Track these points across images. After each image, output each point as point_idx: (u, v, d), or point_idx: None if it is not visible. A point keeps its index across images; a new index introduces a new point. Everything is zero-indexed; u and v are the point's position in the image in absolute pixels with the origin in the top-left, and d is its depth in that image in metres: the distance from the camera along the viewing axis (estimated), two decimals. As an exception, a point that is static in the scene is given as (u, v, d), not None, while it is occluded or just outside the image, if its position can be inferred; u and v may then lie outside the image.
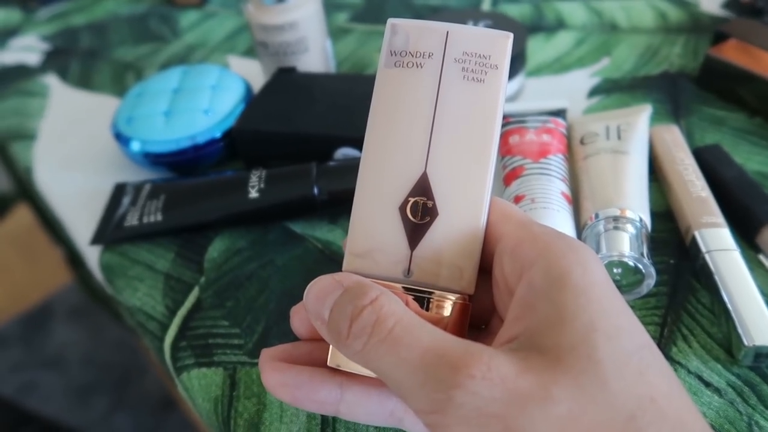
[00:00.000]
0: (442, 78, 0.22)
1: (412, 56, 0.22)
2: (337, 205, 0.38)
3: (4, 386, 1.28)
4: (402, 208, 0.22)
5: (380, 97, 0.23)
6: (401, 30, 0.23)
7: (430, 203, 0.22)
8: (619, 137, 0.38)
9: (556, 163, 0.37)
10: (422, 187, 0.22)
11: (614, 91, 0.46)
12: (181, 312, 0.35)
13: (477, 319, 0.23)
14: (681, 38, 0.51)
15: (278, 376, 0.22)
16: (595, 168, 0.36)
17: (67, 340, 1.37)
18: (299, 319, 0.23)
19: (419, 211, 0.22)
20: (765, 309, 0.29)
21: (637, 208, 0.33)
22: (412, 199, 0.22)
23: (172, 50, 0.60)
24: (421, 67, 0.22)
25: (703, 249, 0.32)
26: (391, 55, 0.23)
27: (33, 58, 0.62)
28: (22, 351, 1.36)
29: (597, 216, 0.33)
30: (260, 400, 0.30)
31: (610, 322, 0.18)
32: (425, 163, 0.22)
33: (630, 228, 0.32)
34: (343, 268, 0.22)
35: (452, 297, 0.21)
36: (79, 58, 0.61)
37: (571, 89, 0.47)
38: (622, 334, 0.18)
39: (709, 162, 0.37)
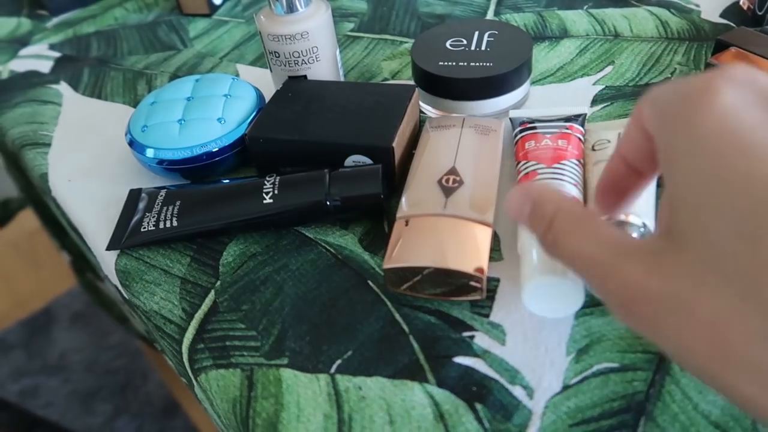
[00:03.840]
0: (462, 132, 0.41)
1: (445, 128, 0.42)
2: (349, 211, 0.38)
3: (6, 392, 1.29)
4: (439, 181, 0.37)
5: (427, 137, 0.42)
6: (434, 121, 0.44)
7: (458, 178, 0.37)
8: None
9: (570, 168, 0.37)
10: (453, 171, 0.38)
11: (618, 99, 0.47)
12: (198, 315, 0.36)
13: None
14: (682, 46, 0.53)
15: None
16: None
17: (69, 346, 1.37)
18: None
19: (450, 181, 0.37)
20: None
21: (642, 213, 0.34)
22: (446, 176, 0.37)
23: (182, 59, 0.61)
24: (450, 128, 0.42)
25: None
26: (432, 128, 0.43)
27: (45, 66, 0.63)
28: (24, 356, 1.36)
29: None
30: (278, 401, 0.31)
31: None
32: (454, 161, 0.39)
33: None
34: (398, 215, 0.36)
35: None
36: (90, 67, 0.62)
37: (575, 97, 0.48)
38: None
39: None
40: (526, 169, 0.38)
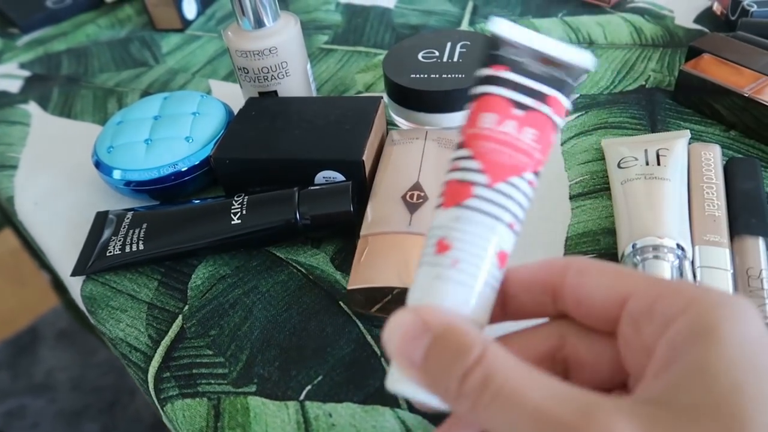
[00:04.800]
0: (425, 146, 0.40)
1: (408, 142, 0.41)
2: (320, 229, 0.38)
3: (-9, 414, 1.26)
4: (403, 197, 0.36)
5: (390, 152, 0.41)
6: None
7: (422, 194, 0.36)
8: (658, 162, 0.37)
9: (520, 192, 0.23)
10: (417, 187, 0.37)
11: (592, 107, 0.47)
12: (165, 342, 0.35)
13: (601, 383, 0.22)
14: (656, 53, 0.52)
15: None
16: (632, 194, 0.36)
17: (55, 365, 1.35)
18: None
19: (414, 197, 0.36)
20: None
21: (677, 235, 0.32)
22: (410, 192, 0.36)
23: (154, 75, 0.60)
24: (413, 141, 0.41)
25: (697, 264, 0.32)
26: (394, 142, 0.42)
27: (13, 86, 0.62)
28: (9, 376, 1.34)
29: (635, 245, 0.32)
30: (245, 430, 0.30)
31: (761, 385, 0.16)
32: (418, 176, 0.37)
33: (671, 257, 0.31)
34: (362, 233, 0.35)
35: None
36: (60, 85, 0.61)
37: (550, 106, 0.47)
38: None
39: (733, 173, 0.37)
40: (459, 176, 0.23)
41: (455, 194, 0.23)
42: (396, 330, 0.19)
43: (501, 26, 0.23)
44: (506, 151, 0.22)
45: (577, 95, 0.48)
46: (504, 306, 0.23)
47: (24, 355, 1.39)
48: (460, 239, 0.22)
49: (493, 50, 0.23)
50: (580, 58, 0.23)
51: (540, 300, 0.22)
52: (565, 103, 0.23)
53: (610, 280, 0.20)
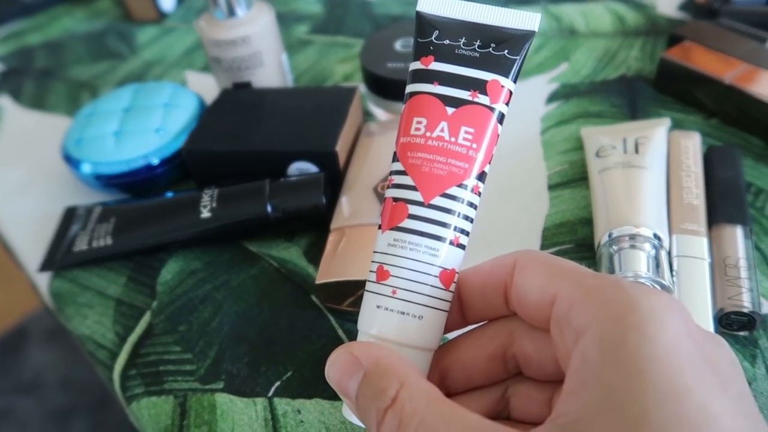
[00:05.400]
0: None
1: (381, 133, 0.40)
2: (292, 222, 0.37)
3: (-23, 414, 1.25)
4: (375, 189, 0.35)
5: (365, 143, 0.39)
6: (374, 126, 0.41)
7: None
8: (636, 151, 0.36)
9: (462, 202, 0.21)
10: (387, 178, 0.26)
11: (573, 96, 0.46)
12: (132, 338, 0.34)
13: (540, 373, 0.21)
14: (638, 41, 0.52)
15: None
16: (610, 183, 0.35)
17: (43, 364, 1.34)
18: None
19: (386, 188, 0.25)
20: (711, 317, 0.29)
21: (654, 225, 0.32)
22: (382, 184, 0.35)
23: (129, 67, 0.59)
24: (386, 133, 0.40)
25: (674, 253, 0.32)
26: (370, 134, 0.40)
27: (-13, 80, 0.61)
28: (-3, 376, 1.33)
29: (611, 234, 0.32)
30: (211, 428, 0.29)
31: (666, 411, 0.15)
32: (391, 167, 0.25)
33: (647, 247, 0.30)
34: (333, 226, 0.34)
35: None
36: (34, 78, 0.59)
37: (530, 96, 0.47)
38: (682, 426, 0.14)
39: (713, 162, 0.37)
40: (394, 192, 0.22)
41: (392, 216, 0.21)
42: (333, 366, 0.20)
43: (426, 3, 0.21)
44: (439, 159, 0.20)
45: (558, 84, 0.47)
46: (462, 312, 0.22)
47: (11, 354, 1.38)
48: (398, 266, 0.20)
49: (420, 37, 0.21)
50: (521, 19, 0.20)
51: (494, 302, 0.21)
52: (507, 84, 0.20)
53: (544, 280, 0.19)
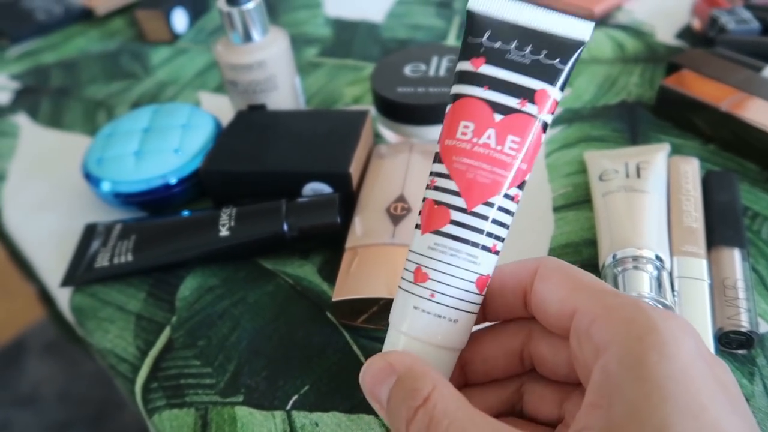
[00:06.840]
0: (411, 158, 0.40)
1: (393, 155, 0.42)
2: (307, 241, 0.38)
3: (-24, 427, 1.25)
4: (387, 209, 0.37)
5: (377, 165, 0.41)
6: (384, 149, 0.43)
7: (406, 206, 0.36)
8: (638, 175, 0.38)
9: (502, 210, 0.22)
10: (401, 199, 0.37)
11: (575, 120, 0.48)
12: (153, 353, 0.35)
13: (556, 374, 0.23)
14: (638, 68, 0.53)
15: None
16: (613, 206, 0.36)
17: (42, 376, 1.34)
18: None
19: (398, 209, 0.36)
20: (711, 336, 0.30)
21: (656, 246, 0.33)
22: (394, 204, 0.37)
23: (144, 87, 0.60)
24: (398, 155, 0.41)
25: (675, 274, 0.33)
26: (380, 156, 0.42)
27: (3, 97, 0.62)
28: (-5, 389, 1.33)
29: (615, 256, 0.33)
30: (232, 441, 0.30)
31: (685, 426, 0.16)
32: (402, 188, 0.38)
33: (650, 268, 0.32)
34: (348, 245, 0.36)
35: None
36: (50, 97, 0.61)
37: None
38: None
39: (711, 186, 0.38)
40: (436, 195, 0.22)
41: (432, 218, 0.21)
42: (367, 372, 0.21)
43: (478, 2, 0.20)
44: (484, 167, 0.20)
45: (561, 109, 0.49)
46: (482, 310, 0.24)
47: (10, 367, 1.38)
48: (439, 271, 0.21)
49: (471, 37, 0.20)
50: (573, 27, 0.20)
51: (512, 303, 0.23)
52: (555, 94, 0.20)
53: (565, 293, 0.20)
